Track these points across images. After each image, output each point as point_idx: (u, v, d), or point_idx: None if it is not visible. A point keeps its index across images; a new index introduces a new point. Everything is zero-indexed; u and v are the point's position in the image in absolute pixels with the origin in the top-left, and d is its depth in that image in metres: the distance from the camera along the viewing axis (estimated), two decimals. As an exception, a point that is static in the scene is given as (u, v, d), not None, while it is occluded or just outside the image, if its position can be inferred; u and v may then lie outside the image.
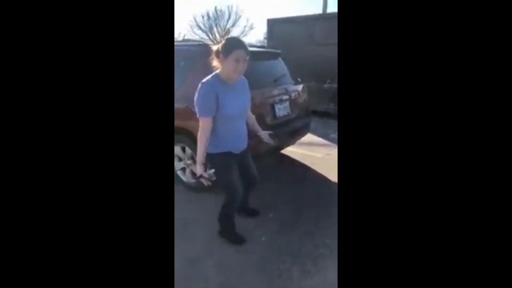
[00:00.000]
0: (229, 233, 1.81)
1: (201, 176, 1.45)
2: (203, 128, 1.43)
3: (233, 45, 1.36)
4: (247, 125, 1.67)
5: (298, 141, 2.99)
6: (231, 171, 1.60)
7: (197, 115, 1.42)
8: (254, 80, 2.34)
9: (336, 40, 4.57)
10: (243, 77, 1.53)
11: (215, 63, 1.44)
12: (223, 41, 1.38)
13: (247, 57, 1.37)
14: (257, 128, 1.73)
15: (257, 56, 2.61)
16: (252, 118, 1.72)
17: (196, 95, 1.40)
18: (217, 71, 1.43)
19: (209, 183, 1.48)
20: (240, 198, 1.68)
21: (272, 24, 5.40)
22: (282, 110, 2.47)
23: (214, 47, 1.43)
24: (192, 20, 19.98)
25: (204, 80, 1.40)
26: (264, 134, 1.70)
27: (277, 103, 2.44)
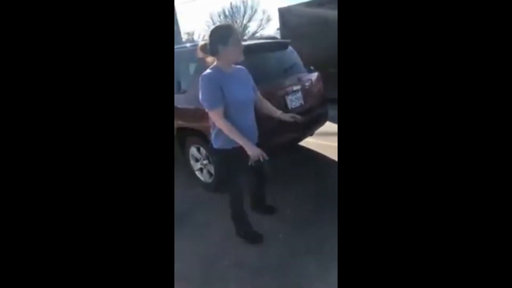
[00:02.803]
0: (245, 231, 1.79)
1: (259, 159, 1.39)
2: (219, 120, 1.38)
3: (229, 29, 1.36)
4: (263, 111, 1.62)
5: (319, 132, 2.86)
6: (239, 169, 1.56)
7: (207, 110, 1.39)
8: (263, 73, 2.28)
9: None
10: (241, 66, 1.50)
11: (209, 59, 1.41)
12: (213, 32, 1.36)
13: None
14: (274, 110, 1.64)
15: (265, 48, 2.53)
16: (266, 102, 1.64)
17: (200, 89, 1.37)
18: (214, 64, 1.40)
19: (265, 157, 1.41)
20: (242, 195, 1.64)
21: (284, 12, 5.22)
22: (294, 101, 2.37)
23: (201, 45, 1.41)
24: (209, 19, 20.17)
25: (204, 73, 1.37)
26: (286, 115, 1.60)
27: (288, 94, 2.34)
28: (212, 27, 1.40)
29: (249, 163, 1.42)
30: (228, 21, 20.67)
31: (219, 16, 20.81)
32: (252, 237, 1.77)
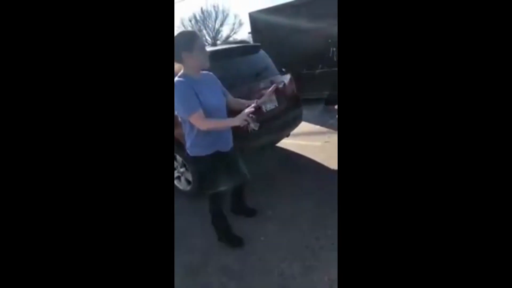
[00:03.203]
0: (226, 236, 1.78)
1: (247, 120, 1.32)
2: (204, 121, 1.35)
3: (193, 35, 1.36)
4: (239, 108, 1.58)
5: (295, 132, 2.92)
6: (217, 175, 1.56)
7: (187, 116, 1.34)
8: (236, 77, 2.30)
9: (320, 24, 4.50)
10: (208, 72, 1.50)
11: (176, 67, 1.39)
12: (175, 41, 1.32)
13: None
14: (244, 102, 1.60)
15: (236, 52, 2.55)
16: (237, 100, 1.62)
17: (175, 96, 1.32)
18: (181, 72, 1.38)
19: (256, 126, 1.35)
20: (221, 199, 1.64)
21: (254, 17, 5.30)
22: (268, 103, 2.40)
23: None
24: (181, 25, 19.94)
25: (176, 79, 1.35)
26: (263, 98, 1.57)
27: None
28: (175, 34, 1.38)
29: (249, 130, 1.36)
30: (200, 26, 20.53)
31: (190, 21, 20.60)
32: (233, 241, 1.77)
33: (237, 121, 1.34)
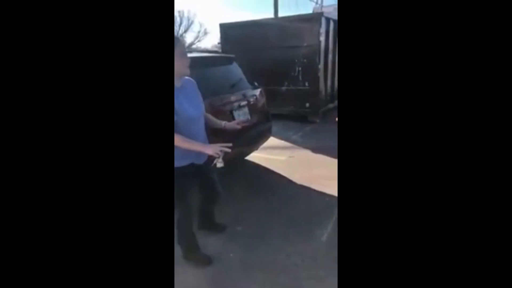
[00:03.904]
0: (194, 254, 1.66)
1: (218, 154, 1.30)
2: (175, 138, 1.27)
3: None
4: (208, 124, 1.56)
5: (263, 146, 2.93)
6: (189, 188, 1.47)
7: None
8: (210, 86, 2.24)
9: (289, 43, 4.70)
10: (191, 78, 1.44)
11: None
12: None
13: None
14: (219, 122, 1.60)
15: (211, 62, 2.50)
16: (209, 115, 1.60)
17: None
18: None
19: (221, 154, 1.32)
20: (191, 215, 1.55)
21: (225, 28, 5.32)
22: (241, 116, 2.38)
23: None
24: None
25: None
26: (230, 124, 1.58)
27: (235, 109, 2.35)
28: None
29: (213, 164, 1.36)
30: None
31: (153, 24, 19.85)
32: (201, 260, 1.66)
33: (209, 150, 1.31)
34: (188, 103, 1.35)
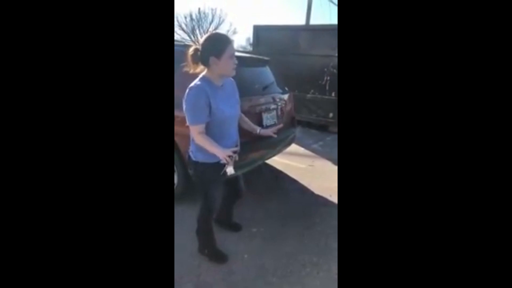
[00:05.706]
0: (209, 249, 1.68)
1: (227, 160, 1.28)
2: (197, 136, 1.29)
3: (225, 41, 1.26)
4: (243, 126, 1.57)
5: (283, 151, 2.92)
6: (217, 185, 1.48)
7: (188, 123, 1.29)
8: (242, 87, 2.25)
9: (320, 52, 4.67)
10: (231, 78, 1.44)
11: (198, 68, 1.31)
12: (207, 41, 1.26)
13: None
14: (254, 126, 1.60)
15: (245, 63, 2.52)
16: (245, 117, 1.60)
17: (185, 101, 1.26)
18: (204, 74, 1.31)
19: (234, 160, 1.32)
20: (214, 211, 1.57)
21: (258, 30, 5.36)
22: (269, 119, 2.39)
23: (191, 50, 1.29)
24: (175, 19, 19.55)
25: (192, 84, 1.27)
26: (265, 131, 1.58)
27: (264, 111, 2.36)
28: (207, 34, 1.31)
29: (222, 172, 1.36)
30: (194, 25, 20.31)
31: (185, 18, 20.31)
32: (216, 256, 1.68)
33: (220, 153, 1.29)
34: (225, 103, 1.36)
